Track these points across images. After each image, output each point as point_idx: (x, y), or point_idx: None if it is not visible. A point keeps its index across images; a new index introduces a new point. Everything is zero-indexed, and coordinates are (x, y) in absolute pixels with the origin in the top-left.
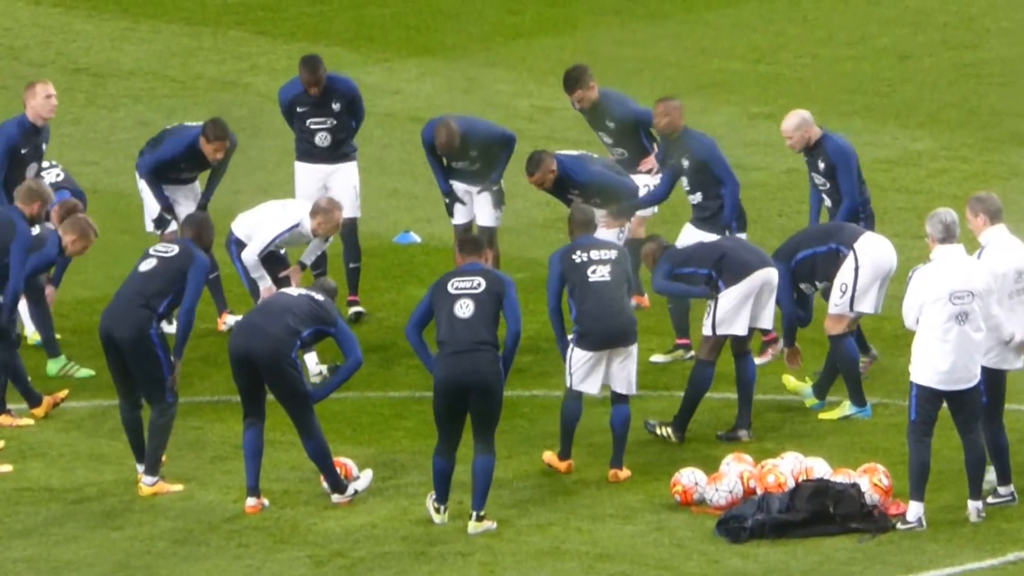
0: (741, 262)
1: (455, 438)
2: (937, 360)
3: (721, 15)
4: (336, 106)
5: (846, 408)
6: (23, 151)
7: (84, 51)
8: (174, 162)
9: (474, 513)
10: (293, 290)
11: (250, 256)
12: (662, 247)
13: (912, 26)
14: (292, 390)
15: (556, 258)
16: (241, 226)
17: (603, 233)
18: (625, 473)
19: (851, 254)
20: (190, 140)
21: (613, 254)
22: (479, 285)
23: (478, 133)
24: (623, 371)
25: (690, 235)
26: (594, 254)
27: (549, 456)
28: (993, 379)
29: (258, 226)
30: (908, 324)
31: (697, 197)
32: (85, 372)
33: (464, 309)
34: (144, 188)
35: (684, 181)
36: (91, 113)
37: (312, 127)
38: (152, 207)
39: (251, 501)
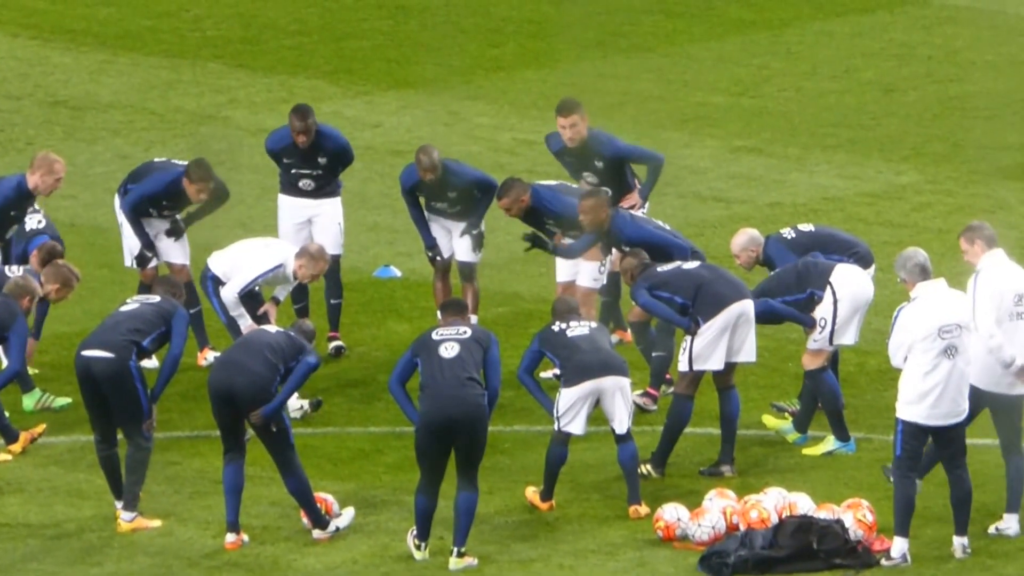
0: (717, 295)
1: (438, 476)
2: (925, 396)
3: (704, 48)
4: (322, 160)
5: (830, 443)
6: (12, 213)
7: (62, 84)
8: (156, 198)
9: (455, 549)
10: (271, 328)
11: (230, 294)
12: (642, 264)
13: (897, 59)
14: (273, 425)
15: (536, 338)
16: (219, 263)
17: (584, 266)
18: (645, 509)
19: (828, 289)
20: (173, 177)
21: (594, 324)
22: (464, 332)
23: (458, 174)
24: (617, 408)
25: None
26: (572, 323)
27: (531, 494)
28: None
29: (238, 265)
30: (895, 363)
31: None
32: (62, 401)
33: (449, 350)
34: (124, 224)
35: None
36: (69, 147)
37: (296, 174)
38: (132, 243)
39: (231, 537)
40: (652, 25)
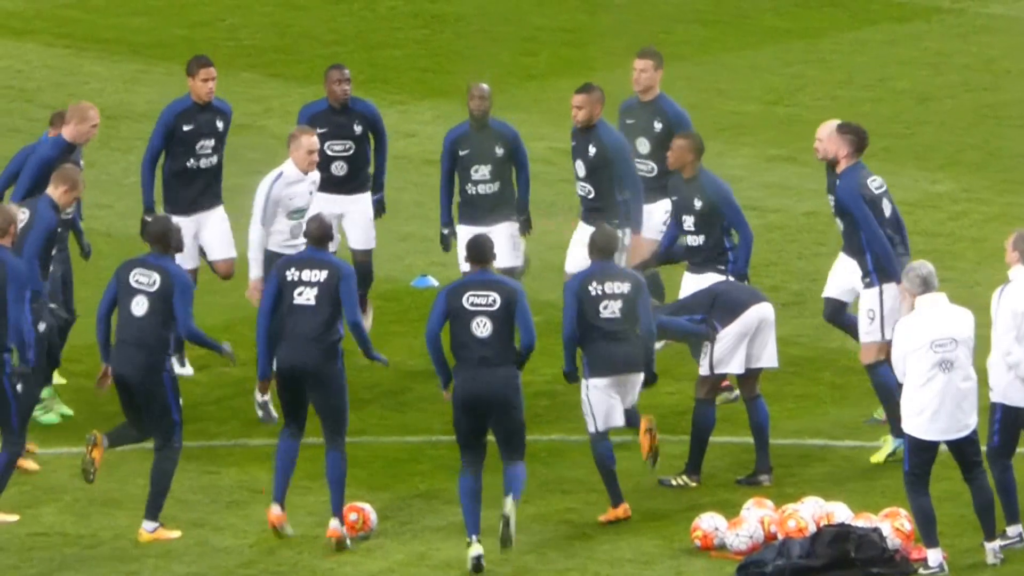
0: (734, 301)
1: (479, 455)
2: (923, 409)
3: (738, 57)
4: (358, 128)
5: (889, 444)
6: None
7: (96, 93)
8: (169, 137)
9: (510, 497)
10: (312, 300)
11: (253, 228)
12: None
13: (931, 68)
14: (336, 401)
15: (573, 286)
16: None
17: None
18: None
19: (878, 287)
20: (170, 115)
21: (627, 287)
22: (495, 302)
23: (504, 124)
24: (626, 402)
25: (690, 284)
26: (608, 287)
27: (604, 516)
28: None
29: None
30: (897, 376)
31: (699, 240)
32: (50, 419)
33: (482, 328)
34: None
35: (689, 221)
36: (104, 156)
37: (330, 153)
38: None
39: (276, 509)
40: (686, 34)
